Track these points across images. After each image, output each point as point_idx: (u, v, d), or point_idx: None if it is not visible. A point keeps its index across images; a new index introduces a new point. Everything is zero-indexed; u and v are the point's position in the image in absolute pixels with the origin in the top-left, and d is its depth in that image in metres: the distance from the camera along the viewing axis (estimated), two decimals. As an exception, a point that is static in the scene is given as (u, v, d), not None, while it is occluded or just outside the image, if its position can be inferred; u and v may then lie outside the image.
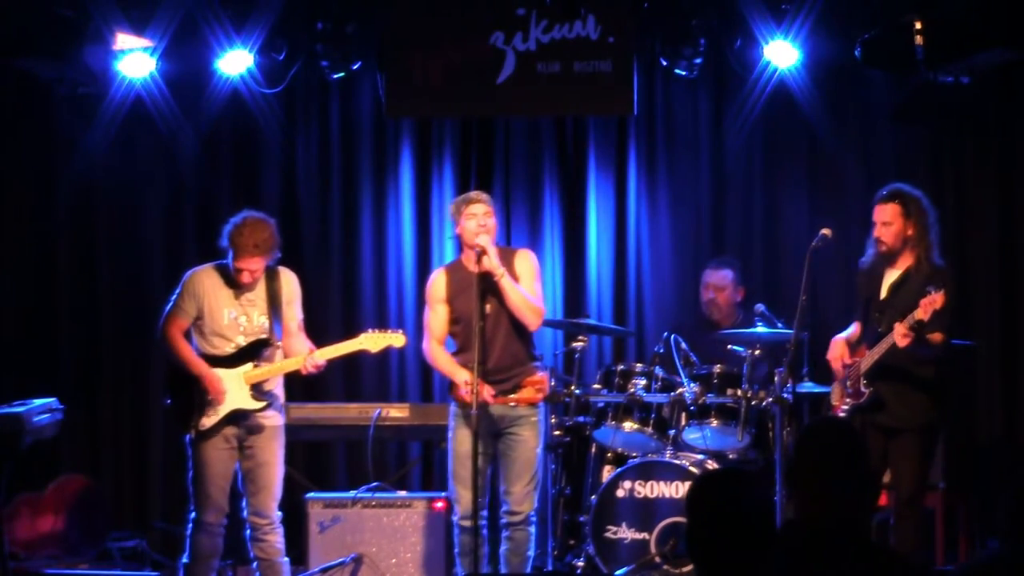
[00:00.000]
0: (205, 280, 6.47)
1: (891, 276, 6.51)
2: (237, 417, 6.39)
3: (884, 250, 6.46)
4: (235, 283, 6.45)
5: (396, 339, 6.58)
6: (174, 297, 6.49)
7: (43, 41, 7.74)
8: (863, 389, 6.41)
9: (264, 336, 6.42)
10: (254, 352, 6.41)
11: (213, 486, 6.40)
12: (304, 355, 6.43)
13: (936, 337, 6.30)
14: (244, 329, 6.43)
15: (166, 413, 6.59)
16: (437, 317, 6.57)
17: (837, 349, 6.56)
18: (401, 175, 8.58)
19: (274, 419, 6.49)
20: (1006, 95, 8.02)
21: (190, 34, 8.04)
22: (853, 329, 6.61)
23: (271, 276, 6.50)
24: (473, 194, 6.63)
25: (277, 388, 6.53)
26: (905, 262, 6.48)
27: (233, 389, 6.37)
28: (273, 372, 6.44)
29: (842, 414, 6.43)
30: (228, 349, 6.42)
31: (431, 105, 8.28)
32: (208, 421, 6.36)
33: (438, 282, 6.61)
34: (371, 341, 6.55)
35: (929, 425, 6.43)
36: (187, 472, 6.51)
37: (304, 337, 6.55)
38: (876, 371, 6.37)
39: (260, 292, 6.47)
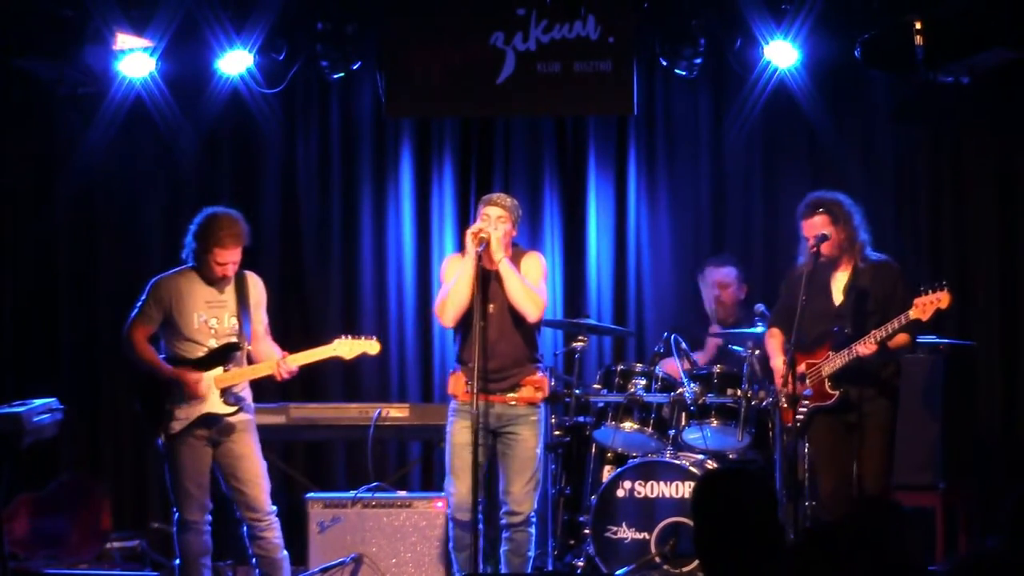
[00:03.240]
0: (171, 286, 6.44)
1: (838, 280, 6.55)
2: (207, 421, 6.37)
3: (824, 260, 6.49)
4: (206, 284, 6.42)
5: (370, 346, 6.56)
6: (139, 304, 6.46)
7: (43, 41, 7.75)
8: (830, 391, 6.44)
9: (234, 339, 6.40)
10: (224, 356, 6.38)
11: (192, 483, 6.37)
12: (275, 360, 6.41)
13: (902, 340, 6.34)
14: (215, 332, 6.40)
15: (137, 418, 6.56)
16: None
17: (785, 370, 6.48)
18: (401, 175, 8.58)
19: (243, 418, 6.46)
20: (1006, 95, 8.01)
21: (190, 34, 8.04)
22: (778, 340, 6.60)
23: (239, 279, 6.48)
24: (495, 196, 6.61)
25: (245, 391, 6.51)
26: (847, 264, 6.53)
27: (205, 393, 6.35)
28: (244, 376, 6.43)
29: (800, 415, 6.41)
30: (199, 353, 6.39)
31: (431, 105, 8.28)
32: (178, 425, 6.34)
33: (453, 263, 6.61)
34: (345, 348, 6.52)
35: (892, 423, 6.51)
36: (165, 476, 6.50)
37: (271, 341, 6.54)
38: (841, 374, 6.40)
39: (229, 294, 6.45)
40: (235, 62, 8.11)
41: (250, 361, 6.47)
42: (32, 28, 7.71)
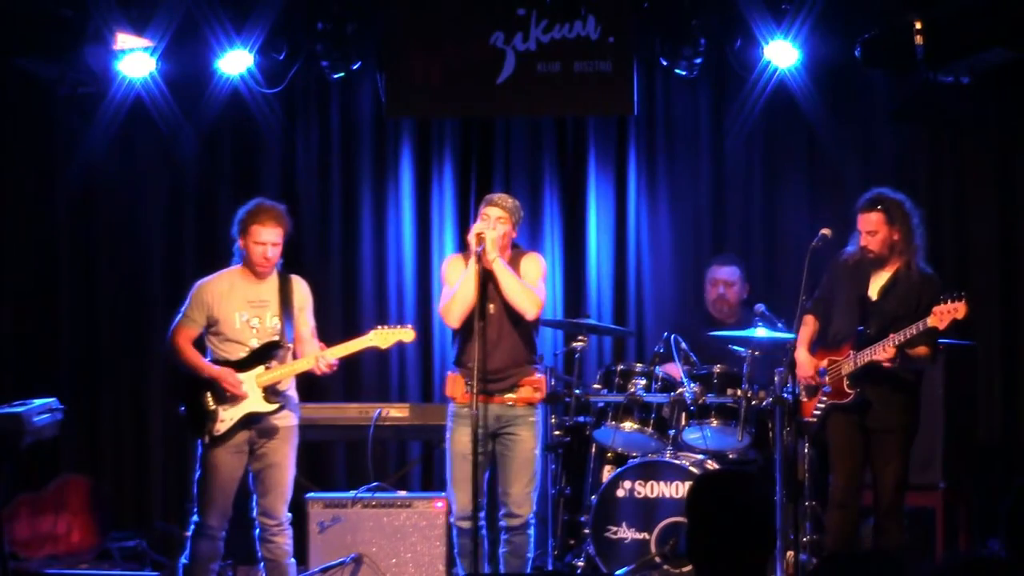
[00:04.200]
0: (214, 288, 6.46)
1: (879, 278, 6.50)
2: (251, 420, 6.38)
3: (872, 257, 6.46)
4: (248, 283, 6.43)
5: (405, 334, 6.58)
6: (182, 308, 6.49)
7: (43, 41, 7.75)
8: (848, 390, 6.41)
9: (276, 338, 6.41)
10: (265, 355, 6.40)
11: (219, 491, 6.39)
12: (314, 355, 6.43)
13: (922, 351, 6.32)
14: (257, 331, 6.42)
15: (180, 420, 6.57)
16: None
17: (810, 367, 6.51)
18: (401, 175, 8.58)
19: (288, 419, 6.48)
20: (1006, 95, 8.02)
21: (190, 34, 8.04)
22: (811, 329, 6.59)
23: (283, 281, 6.50)
24: (496, 196, 6.59)
25: (291, 389, 6.52)
26: (893, 265, 6.48)
27: (246, 392, 6.36)
28: (285, 374, 6.43)
29: (817, 411, 6.43)
30: (242, 354, 6.41)
31: (431, 105, 8.28)
32: (222, 426, 6.35)
33: (454, 263, 6.61)
34: (381, 337, 6.54)
35: (911, 426, 6.47)
36: (194, 473, 6.50)
37: (317, 343, 6.55)
38: (861, 373, 6.38)
39: (272, 293, 6.46)
40: (235, 62, 8.11)
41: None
42: (32, 28, 7.71)
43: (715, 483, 3.58)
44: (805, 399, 6.56)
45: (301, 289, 6.56)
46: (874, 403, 6.40)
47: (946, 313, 6.14)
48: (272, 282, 6.48)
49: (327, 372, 6.47)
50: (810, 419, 6.52)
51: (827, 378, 6.46)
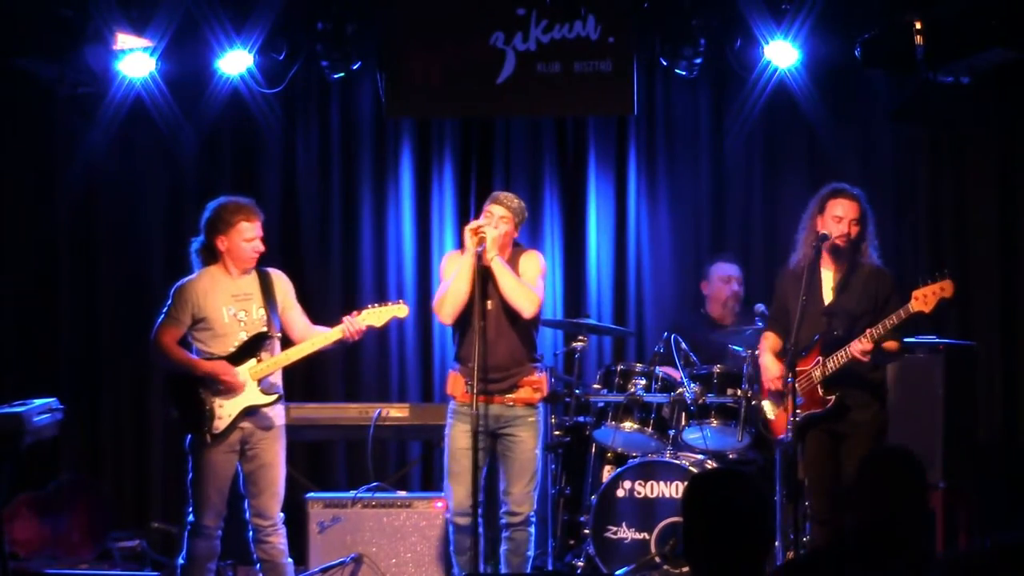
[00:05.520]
0: (196, 287, 6.43)
1: (830, 278, 6.42)
2: (249, 413, 6.38)
3: (844, 245, 6.33)
4: (229, 278, 6.42)
5: (399, 310, 6.55)
6: (165, 308, 6.45)
7: (43, 41, 7.75)
8: (824, 397, 6.31)
9: (263, 329, 6.41)
10: (255, 347, 6.39)
11: (213, 490, 6.38)
12: (329, 331, 6.42)
13: (892, 346, 6.27)
14: (245, 324, 6.41)
15: (175, 423, 6.54)
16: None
17: (777, 371, 6.44)
18: (401, 175, 8.59)
19: (280, 416, 6.49)
20: (1006, 95, 8.02)
21: (190, 34, 8.05)
22: (773, 342, 6.55)
23: (262, 275, 6.49)
24: (502, 195, 6.57)
25: (279, 380, 6.53)
26: (845, 262, 6.40)
27: (243, 385, 6.36)
28: (279, 364, 6.42)
29: (790, 426, 6.24)
30: (231, 348, 6.41)
31: (431, 105, 8.29)
32: (221, 423, 6.34)
33: (452, 259, 6.61)
34: (374, 316, 6.51)
35: (884, 426, 6.40)
36: (187, 474, 6.49)
37: (313, 326, 6.56)
38: (834, 378, 6.28)
39: (254, 286, 6.46)
40: (235, 62, 8.11)
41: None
42: (32, 28, 7.71)
43: (707, 483, 3.58)
44: (772, 415, 6.51)
45: (281, 278, 6.57)
46: (852, 408, 6.32)
47: (931, 295, 6.00)
48: (251, 276, 6.48)
49: (356, 338, 6.45)
50: (782, 436, 6.44)
51: (798, 389, 6.30)
